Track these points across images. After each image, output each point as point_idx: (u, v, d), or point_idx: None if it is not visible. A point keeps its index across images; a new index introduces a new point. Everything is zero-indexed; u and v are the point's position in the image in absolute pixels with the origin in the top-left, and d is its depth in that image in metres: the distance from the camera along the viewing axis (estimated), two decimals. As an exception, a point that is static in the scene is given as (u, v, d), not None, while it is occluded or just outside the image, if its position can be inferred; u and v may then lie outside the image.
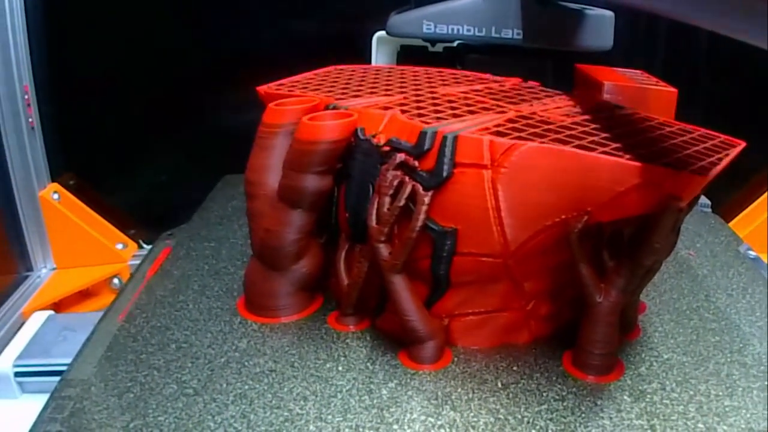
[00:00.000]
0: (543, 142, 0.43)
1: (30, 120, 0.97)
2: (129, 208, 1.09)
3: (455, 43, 0.81)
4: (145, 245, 1.08)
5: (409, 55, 0.87)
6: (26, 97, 0.96)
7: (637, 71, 0.73)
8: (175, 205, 1.07)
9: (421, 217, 0.45)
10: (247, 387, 0.46)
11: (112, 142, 1.07)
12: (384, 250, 0.47)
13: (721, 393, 0.47)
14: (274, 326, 0.54)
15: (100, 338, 0.54)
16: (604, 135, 0.46)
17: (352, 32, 0.98)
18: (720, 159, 0.44)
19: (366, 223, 0.48)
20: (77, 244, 1.03)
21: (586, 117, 0.51)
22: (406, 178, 0.46)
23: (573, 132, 0.46)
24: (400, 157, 0.46)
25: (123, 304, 0.58)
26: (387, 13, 0.77)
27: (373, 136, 0.49)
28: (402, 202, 0.45)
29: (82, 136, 1.04)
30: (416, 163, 0.45)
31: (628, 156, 0.41)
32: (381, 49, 0.89)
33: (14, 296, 0.98)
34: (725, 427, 0.43)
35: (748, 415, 0.45)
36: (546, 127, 0.47)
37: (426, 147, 0.45)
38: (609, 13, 0.73)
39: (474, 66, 0.74)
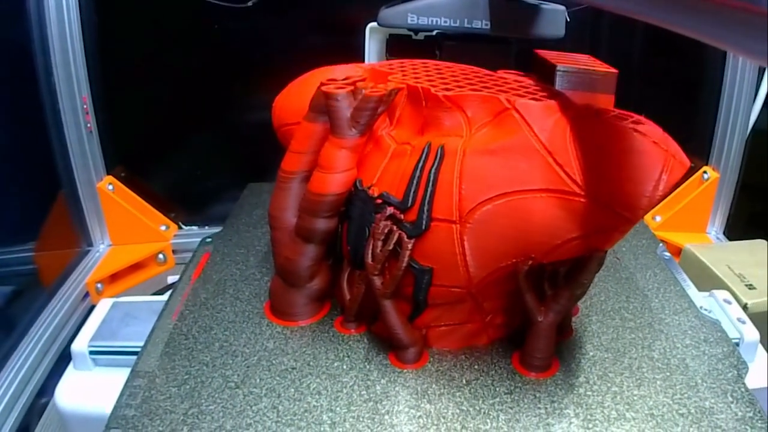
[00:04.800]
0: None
1: (88, 125, 1.00)
2: (170, 195, 1.12)
3: (434, 33, 0.82)
4: (183, 226, 1.13)
5: (396, 42, 0.88)
6: (85, 106, 0.99)
7: (584, 55, 0.75)
8: (208, 193, 1.13)
9: (406, 258, 0.49)
10: (275, 382, 0.50)
11: (156, 141, 1.10)
12: (377, 281, 0.51)
13: (631, 384, 0.50)
14: (293, 329, 0.57)
15: (159, 335, 0.57)
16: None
17: (350, 23, 1.00)
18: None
19: (363, 259, 0.52)
20: (128, 225, 1.08)
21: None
22: (394, 227, 0.50)
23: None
24: (390, 210, 0.50)
25: (174, 304, 0.61)
26: (378, 7, 0.78)
27: (369, 188, 0.52)
28: (391, 246, 0.49)
29: (131, 136, 1.08)
30: (402, 216, 0.49)
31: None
32: (373, 37, 0.90)
33: (80, 266, 1.04)
34: (633, 413, 0.47)
35: (651, 403, 0.48)
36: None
37: (409, 204, 0.49)
38: (561, 7, 0.76)
39: (450, 51, 0.77)
